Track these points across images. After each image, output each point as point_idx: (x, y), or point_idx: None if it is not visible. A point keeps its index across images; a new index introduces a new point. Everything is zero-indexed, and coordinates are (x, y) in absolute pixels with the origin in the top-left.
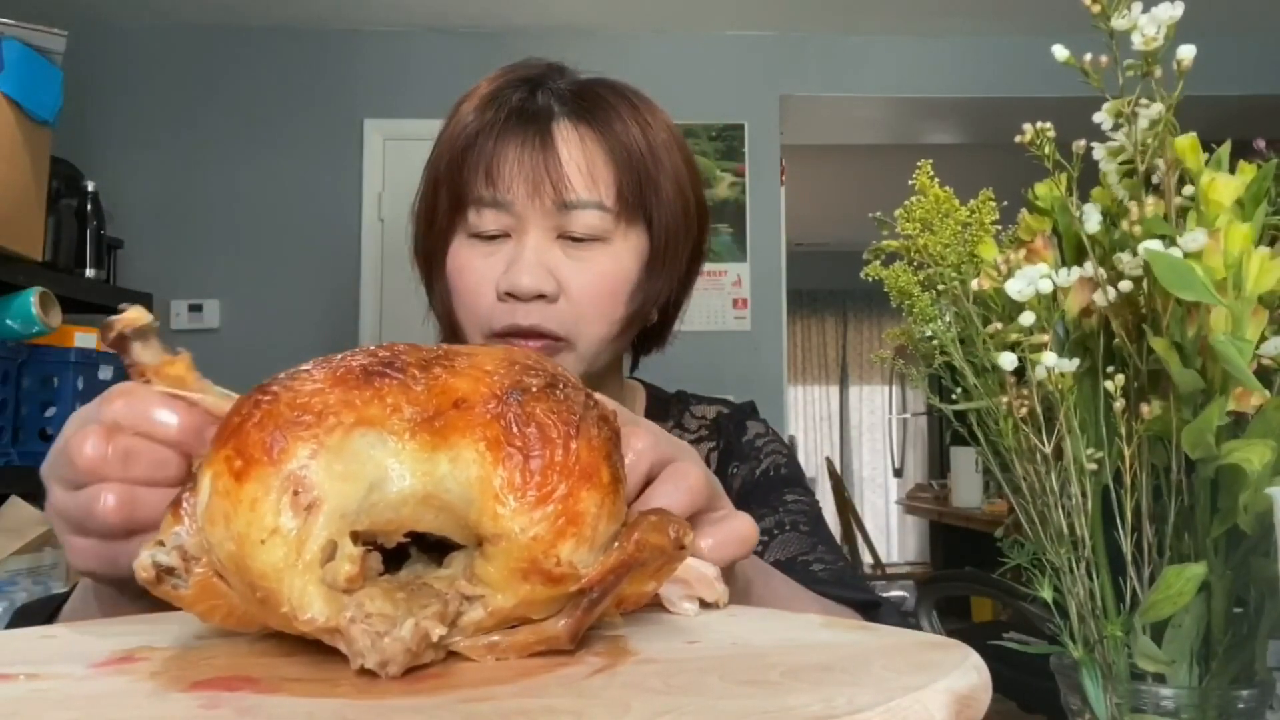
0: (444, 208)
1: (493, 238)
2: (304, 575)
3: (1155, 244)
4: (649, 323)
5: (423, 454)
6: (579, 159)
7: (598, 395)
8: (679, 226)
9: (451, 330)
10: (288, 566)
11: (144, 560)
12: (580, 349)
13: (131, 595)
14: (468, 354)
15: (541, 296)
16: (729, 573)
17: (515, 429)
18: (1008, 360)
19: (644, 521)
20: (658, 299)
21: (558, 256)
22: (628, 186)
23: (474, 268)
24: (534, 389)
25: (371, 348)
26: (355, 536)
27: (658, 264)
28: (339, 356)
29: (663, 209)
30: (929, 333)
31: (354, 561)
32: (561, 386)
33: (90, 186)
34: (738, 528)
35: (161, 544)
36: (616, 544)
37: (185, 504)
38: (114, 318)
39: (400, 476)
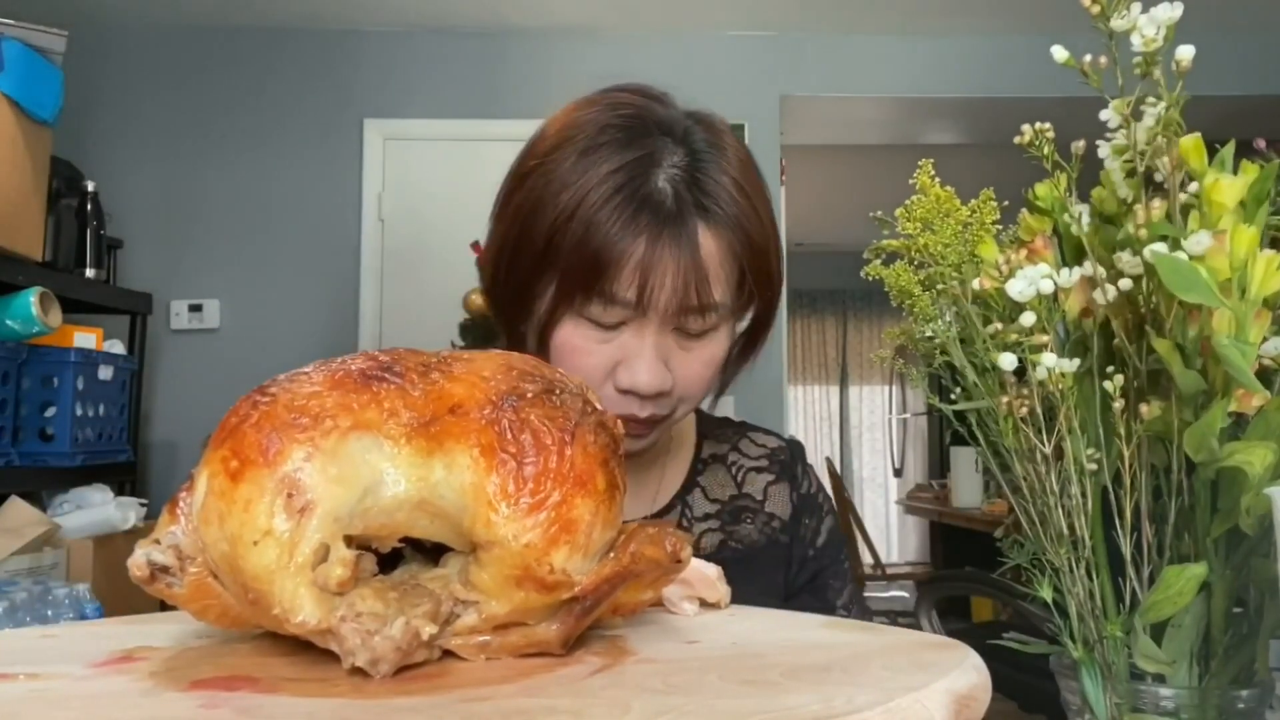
0: (563, 288)
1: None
2: (295, 578)
3: (1160, 246)
4: None
5: (418, 459)
6: (716, 267)
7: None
8: (776, 305)
9: None
10: (280, 569)
11: (138, 558)
12: (675, 416)
13: None
14: (467, 359)
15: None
16: None
17: (510, 435)
18: (1008, 360)
19: (641, 533)
20: (745, 365)
21: (671, 347)
22: (751, 285)
23: (588, 351)
24: (530, 395)
25: (373, 352)
26: (349, 540)
27: (756, 340)
28: (340, 360)
29: (771, 299)
30: (929, 332)
31: (346, 565)
32: (558, 392)
33: (90, 186)
34: None
35: (157, 542)
36: (612, 554)
37: (182, 503)
38: None
39: (395, 481)
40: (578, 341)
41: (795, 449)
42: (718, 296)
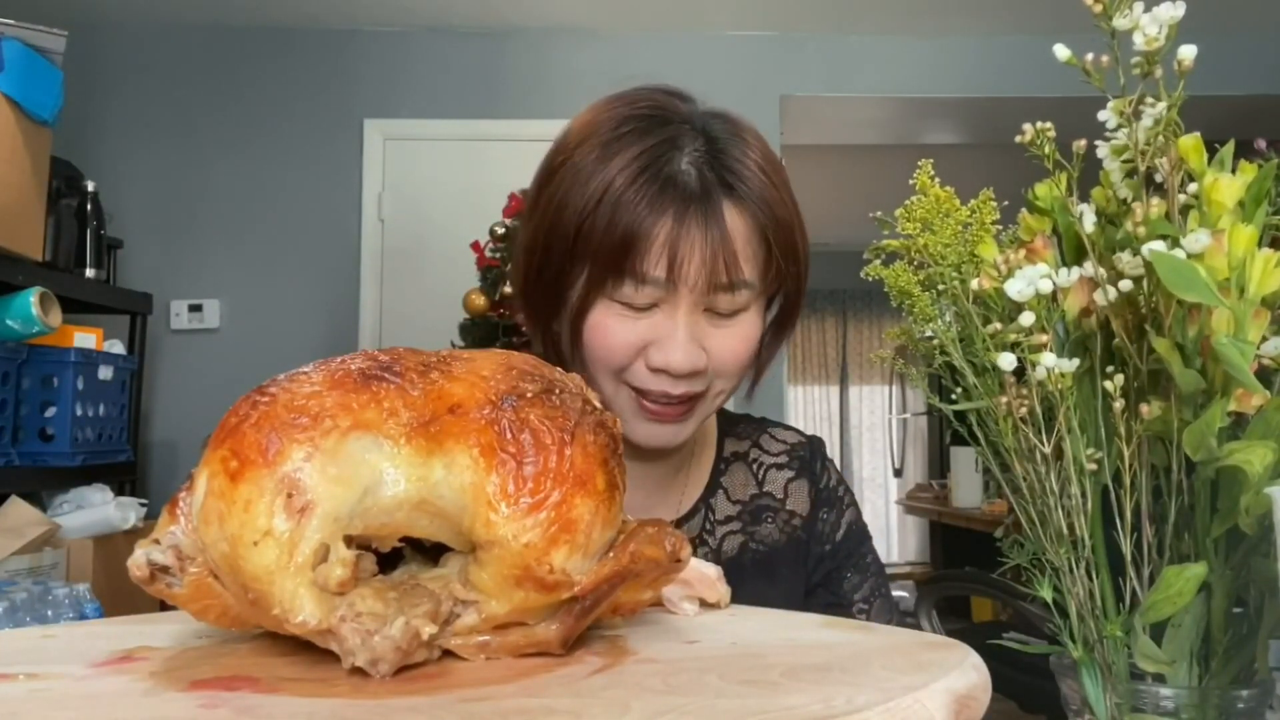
0: (594, 274)
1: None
2: (295, 578)
3: (1159, 245)
4: None
5: (418, 459)
6: (742, 243)
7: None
8: (805, 284)
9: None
10: (280, 569)
11: (138, 558)
12: (712, 396)
13: None
14: (466, 359)
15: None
16: None
17: (509, 435)
18: (1007, 360)
19: (641, 532)
20: (778, 349)
21: (704, 328)
22: (779, 265)
23: (617, 331)
24: (529, 394)
25: (373, 351)
26: (349, 540)
27: (787, 322)
28: (339, 359)
29: (798, 276)
30: (929, 333)
31: (346, 565)
32: (558, 392)
33: (90, 186)
34: None
35: (157, 542)
36: (612, 553)
37: (182, 503)
38: None
39: (395, 481)
40: (610, 322)
41: (815, 444)
42: (747, 274)
